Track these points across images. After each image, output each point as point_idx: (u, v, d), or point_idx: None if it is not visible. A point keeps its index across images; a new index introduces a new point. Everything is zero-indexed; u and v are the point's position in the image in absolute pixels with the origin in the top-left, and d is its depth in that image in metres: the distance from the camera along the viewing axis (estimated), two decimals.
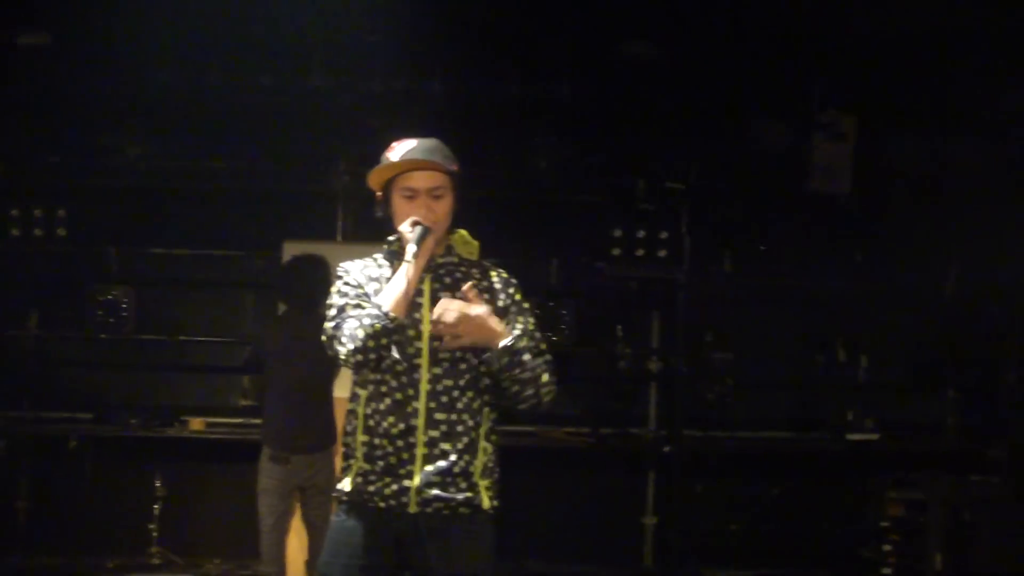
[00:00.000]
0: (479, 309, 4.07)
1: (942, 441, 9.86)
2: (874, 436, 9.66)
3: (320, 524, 7.06)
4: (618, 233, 9.13)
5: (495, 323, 4.10)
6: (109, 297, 9.04)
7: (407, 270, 4.06)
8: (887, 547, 8.92)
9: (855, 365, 9.89)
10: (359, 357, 4.04)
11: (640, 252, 9.13)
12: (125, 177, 9.07)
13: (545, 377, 4.21)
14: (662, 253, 9.13)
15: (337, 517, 4.27)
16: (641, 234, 9.13)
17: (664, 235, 9.14)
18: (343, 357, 4.09)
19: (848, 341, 9.87)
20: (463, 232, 4.32)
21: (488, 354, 4.10)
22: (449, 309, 4.04)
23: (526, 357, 4.13)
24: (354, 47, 8.70)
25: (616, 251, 9.14)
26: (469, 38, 8.75)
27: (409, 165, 4.13)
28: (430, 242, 4.12)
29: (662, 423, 9.83)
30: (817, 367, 9.90)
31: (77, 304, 9.11)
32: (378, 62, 8.79)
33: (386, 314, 4.01)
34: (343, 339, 4.07)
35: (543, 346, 4.27)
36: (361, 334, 4.01)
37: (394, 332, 4.04)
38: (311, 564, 7.68)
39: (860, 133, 9.18)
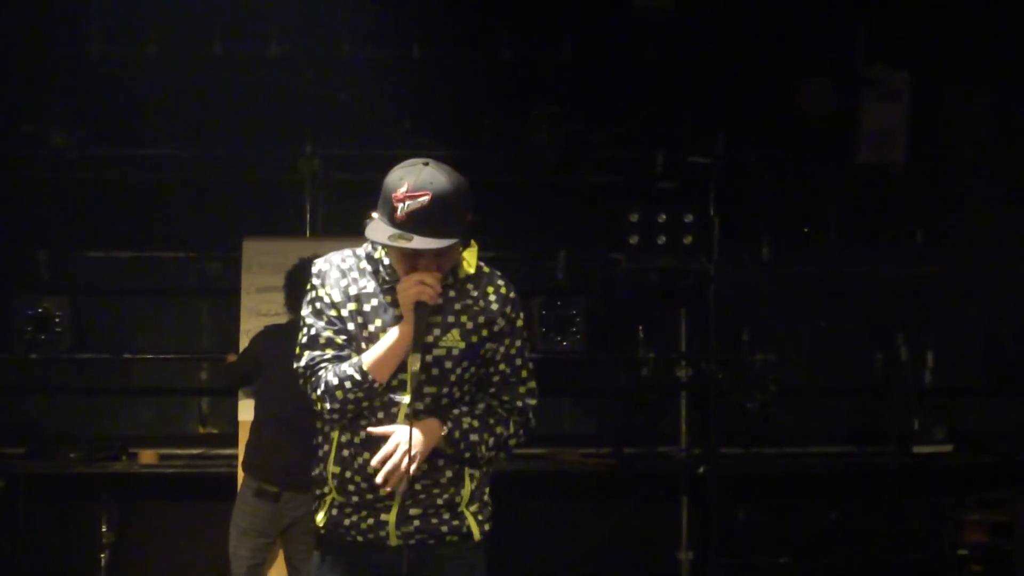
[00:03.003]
0: (403, 441, 4.20)
1: None
2: (947, 448, 9.49)
3: (304, 569, 7.15)
4: (635, 218, 9.01)
5: (424, 431, 4.24)
6: (40, 310, 8.87)
7: (400, 338, 4.22)
8: None
9: (920, 365, 9.70)
10: (336, 416, 4.28)
11: (662, 239, 9.01)
12: (53, 169, 8.97)
13: (511, 430, 4.44)
14: (687, 240, 9.03)
15: (315, 559, 4.48)
16: (662, 218, 9.02)
17: (689, 218, 9.04)
18: (317, 408, 4.33)
19: (911, 337, 9.68)
20: (469, 252, 4.45)
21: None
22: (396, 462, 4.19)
23: (472, 437, 4.33)
24: (318, 8, 8.74)
25: (633, 239, 9.01)
26: None
27: (407, 252, 4.21)
28: (427, 316, 4.25)
29: (695, 440, 9.75)
30: (876, 369, 9.74)
31: (1, 319, 8.95)
32: (346, 25, 8.85)
33: (371, 381, 4.21)
34: (319, 392, 4.29)
35: (524, 373, 4.48)
36: (340, 396, 4.24)
37: (378, 394, 4.25)
38: None
39: (916, 92, 9.13)
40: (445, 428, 4.26)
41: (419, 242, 4.09)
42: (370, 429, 4.25)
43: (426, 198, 4.10)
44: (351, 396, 4.21)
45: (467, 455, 4.31)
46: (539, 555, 9.24)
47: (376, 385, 4.20)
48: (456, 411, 4.33)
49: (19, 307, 8.86)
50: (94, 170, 9.02)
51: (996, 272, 9.66)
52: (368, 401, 4.23)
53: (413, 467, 4.16)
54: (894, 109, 9.04)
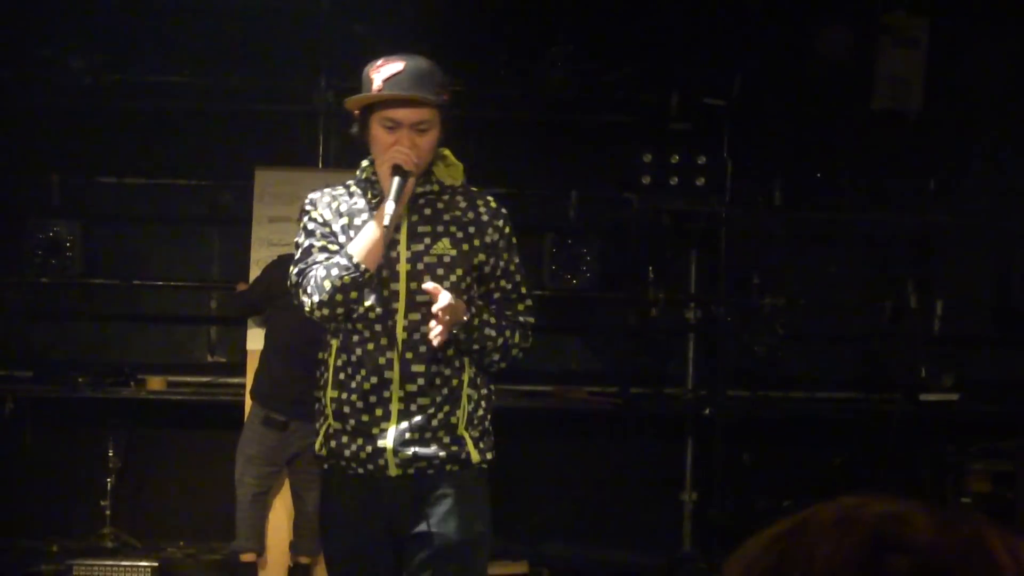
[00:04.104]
0: (446, 297, 4.18)
1: None
2: (953, 396, 9.43)
3: (309, 497, 7.31)
4: (648, 158, 8.98)
5: (460, 304, 4.26)
6: (51, 234, 8.87)
7: (383, 217, 4.16)
8: None
9: (929, 313, 9.60)
10: (325, 311, 4.24)
11: (674, 181, 8.98)
12: (68, 94, 8.91)
13: (516, 339, 4.45)
14: (700, 182, 9.00)
15: (322, 493, 4.63)
16: (675, 159, 8.98)
17: (702, 160, 9.01)
18: (307, 309, 4.28)
19: (921, 285, 9.61)
20: (446, 153, 4.43)
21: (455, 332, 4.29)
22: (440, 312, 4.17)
23: (488, 331, 4.36)
24: None
25: (646, 180, 8.99)
26: None
27: (393, 98, 4.22)
28: (410, 187, 4.24)
29: (702, 381, 9.75)
30: (884, 315, 9.64)
31: (13, 243, 8.95)
32: None
33: (357, 265, 4.19)
34: (308, 289, 4.26)
35: (524, 289, 4.50)
36: (327, 286, 4.20)
37: (365, 284, 4.23)
38: (297, 545, 7.85)
39: (933, 38, 9.05)
40: (467, 314, 4.27)
41: (392, 92, 4.19)
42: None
43: (401, 64, 4.21)
44: (338, 283, 4.16)
45: (476, 347, 4.33)
46: (543, 492, 9.31)
47: (363, 269, 4.17)
48: (478, 304, 4.39)
49: (31, 231, 8.85)
50: (109, 96, 8.96)
51: (1007, 221, 9.58)
52: (356, 291, 4.20)
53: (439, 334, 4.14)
54: (911, 56, 8.98)
